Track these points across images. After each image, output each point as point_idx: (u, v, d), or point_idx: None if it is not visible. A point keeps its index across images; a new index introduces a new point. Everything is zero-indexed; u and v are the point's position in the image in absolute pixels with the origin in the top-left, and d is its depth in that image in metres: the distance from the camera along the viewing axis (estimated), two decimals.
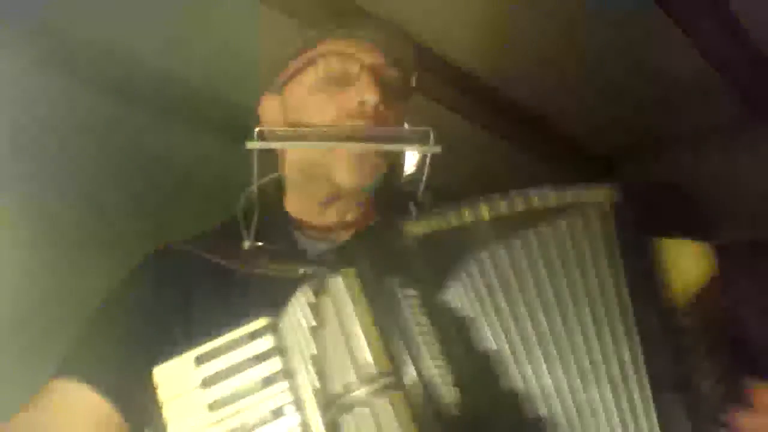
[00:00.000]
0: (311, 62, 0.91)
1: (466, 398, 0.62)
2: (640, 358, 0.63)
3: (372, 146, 0.86)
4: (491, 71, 2.48)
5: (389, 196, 0.95)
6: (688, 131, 2.93)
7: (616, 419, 0.62)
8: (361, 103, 0.87)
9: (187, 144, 2.54)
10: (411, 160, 0.94)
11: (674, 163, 3.10)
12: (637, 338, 0.64)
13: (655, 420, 0.62)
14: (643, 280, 0.65)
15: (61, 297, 2.17)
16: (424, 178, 0.90)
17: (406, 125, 0.94)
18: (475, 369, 0.63)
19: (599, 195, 0.67)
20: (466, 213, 0.65)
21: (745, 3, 2.11)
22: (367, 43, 0.91)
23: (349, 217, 0.92)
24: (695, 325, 0.66)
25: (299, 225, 0.93)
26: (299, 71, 0.92)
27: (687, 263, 0.68)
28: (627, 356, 0.63)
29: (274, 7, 1.90)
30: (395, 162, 0.93)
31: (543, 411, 0.62)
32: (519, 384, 0.63)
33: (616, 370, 0.63)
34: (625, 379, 0.63)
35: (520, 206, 0.65)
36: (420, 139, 0.88)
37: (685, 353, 0.64)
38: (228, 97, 2.34)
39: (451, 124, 2.54)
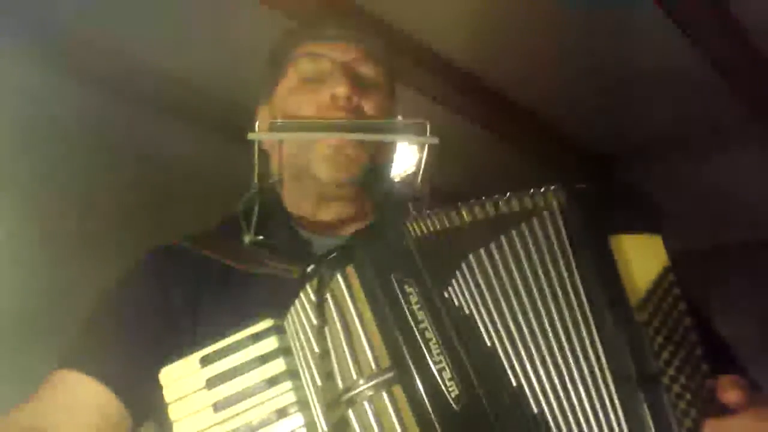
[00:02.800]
0: (286, 68, 0.96)
1: (466, 393, 0.63)
2: (602, 356, 0.65)
3: (368, 137, 0.88)
4: (491, 71, 2.48)
5: (386, 193, 0.96)
6: (687, 131, 2.93)
7: (589, 415, 0.64)
8: (333, 97, 0.90)
9: (187, 144, 2.55)
10: (410, 159, 0.95)
11: (674, 162, 3.10)
12: (596, 336, 0.66)
13: (621, 415, 0.64)
14: (596, 278, 0.67)
15: (60, 295, 2.17)
16: (421, 170, 0.92)
17: (398, 118, 0.96)
18: (475, 365, 0.64)
19: (548, 198, 0.70)
20: (454, 215, 0.69)
21: (745, 3, 2.11)
22: (337, 42, 0.95)
23: (345, 215, 0.93)
24: (651, 319, 0.68)
25: (300, 222, 0.94)
26: (279, 77, 0.97)
27: (639, 257, 0.70)
28: (591, 354, 0.66)
29: (274, 8, 1.90)
30: (384, 157, 0.94)
31: (534, 408, 0.64)
32: (513, 380, 0.65)
33: (584, 368, 0.65)
34: (592, 376, 0.65)
35: (491, 211, 0.69)
36: (416, 132, 0.91)
37: (643, 347, 0.66)
38: (228, 97, 2.34)
39: (451, 124, 2.54)
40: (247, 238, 0.88)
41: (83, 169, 2.38)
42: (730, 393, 0.66)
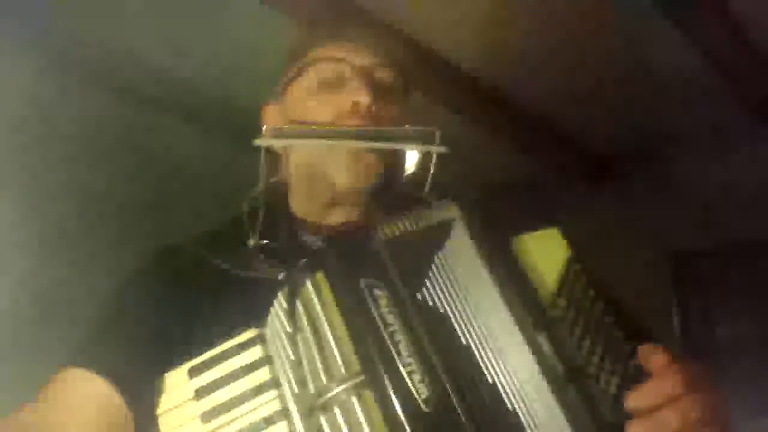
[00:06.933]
0: (305, 69, 0.94)
1: (436, 394, 0.63)
2: (531, 357, 0.66)
3: (376, 146, 0.87)
4: (492, 71, 2.48)
5: (392, 196, 0.96)
6: (687, 131, 2.93)
7: (544, 413, 0.65)
8: (355, 104, 0.89)
9: (188, 144, 2.55)
10: (411, 159, 0.94)
11: (674, 162, 3.10)
12: (523, 339, 0.66)
13: (562, 412, 0.64)
14: (508, 281, 0.69)
15: (60, 295, 2.17)
16: (429, 179, 0.91)
17: (407, 126, 0.95)
18: (447, 365, 0.64)
19: (451, 212, 0.72)
20: (421, 217, 0.71)
21: (745, 3, 2.11)
22: (357, 45, 0.93)
23: (353, 219, 0.93)
24: (566, 312, 0.69)
25: (305, 225, 0.94)
26: (295, 77, 0.95)
27: (543, 253, 0.71)
28: (528, 356, 0.66)
29: (275, 8, 1.90)
30: (395, 163, 0.94)
31: (509, 405, 0.65)
32: (489, 378, 0.65)
33: (527, 369, 0.66)
34: (531, 376, 0.66)
35: (411, 227, 0.71)
36: (425, 139, 0.90)
37: (563, 343, 0.67)
38: (229, 98, 2.34)
39: (452, 124, 2.54)
40: (251, 242, 0.88)
41: (83, 168, 2.38)
42: (653, 359, 0.66)
